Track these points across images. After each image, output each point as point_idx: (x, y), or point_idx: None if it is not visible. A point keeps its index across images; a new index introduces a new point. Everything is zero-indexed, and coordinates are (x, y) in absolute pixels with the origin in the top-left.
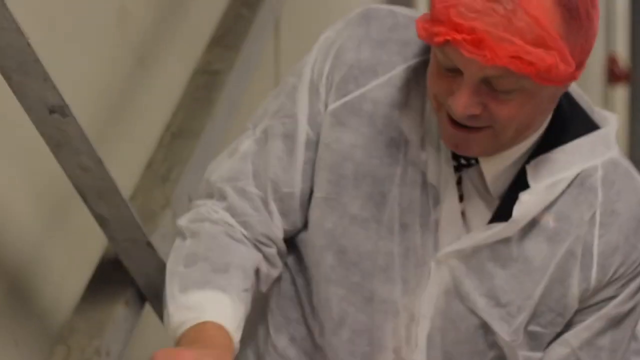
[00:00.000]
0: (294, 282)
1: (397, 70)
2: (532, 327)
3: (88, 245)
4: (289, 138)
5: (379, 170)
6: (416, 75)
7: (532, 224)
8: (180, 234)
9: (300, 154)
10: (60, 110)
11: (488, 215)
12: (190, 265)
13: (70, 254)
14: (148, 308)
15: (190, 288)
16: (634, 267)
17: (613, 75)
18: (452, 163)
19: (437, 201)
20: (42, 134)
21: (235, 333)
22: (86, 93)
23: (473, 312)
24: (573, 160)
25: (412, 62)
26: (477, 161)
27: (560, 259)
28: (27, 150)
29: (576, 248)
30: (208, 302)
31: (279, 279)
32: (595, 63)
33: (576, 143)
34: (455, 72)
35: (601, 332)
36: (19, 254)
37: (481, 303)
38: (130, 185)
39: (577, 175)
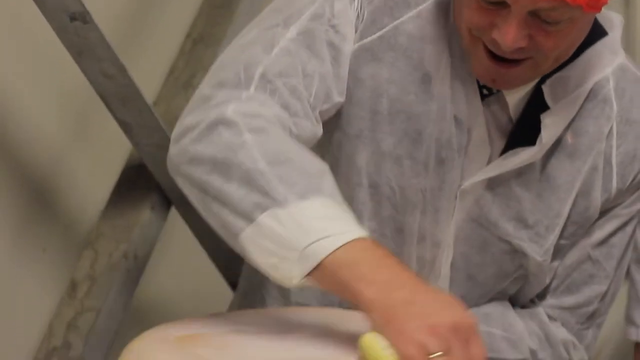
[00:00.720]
0: None
1: (427, 3)
2: (560, 241)
3: (113, 151)
4: (334, 48)
5: (415, 107)
6: (442, 9)
7: (554, 144)
8: (231, 124)
9: (345, 67)
10: (81, 17)
11: (504, 141)
12: (277, 165)
13: (95, 161)
14: (173, 211)
15: (308, 194)
16: None
17: None
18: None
19: (467, 133)
20: (64, 42)
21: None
22: (106, 1)
23: (501, 238)
24: (585, 75)
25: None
26: (499, 89)
27: (584, 175)
28: (49, 59)
29: (598, 162)
30: (342, 212)
31: None
32: None
33: (586, 56)
34: (498, 5)
35: (613, 232)
36: (44, 162)
37: (509, 228)
38: (152, 93)
39: (591, 89)
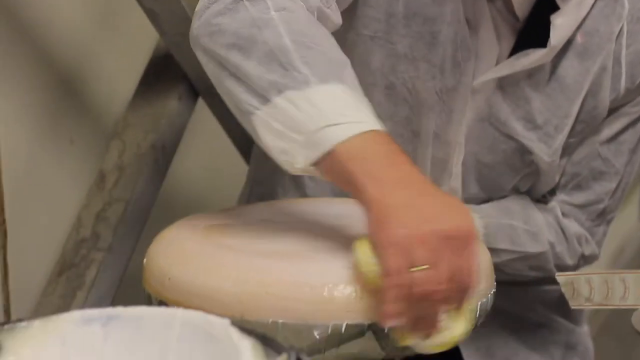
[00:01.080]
0: None
1: None
2: (568, 139)
3: (140, 41)
4: None
5: (430, 9)
6: None
7: (564, 44)
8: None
9: None
10: None
11: (513, 40)
12: (302, 46)
13: (122, 51)
14: (200, 101)
15: (330, 79)
16: None
17: None
18: None
19: (475, 33)
20: None
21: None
22: None
23: (510, 137)
24: None
25: None
26: None
27: (593, 76)
28: None
29: (607, 62)
30: (362, 103)
31: None
32: None
33: None
34: None
35: (622, 130)
36: (71, 52)
37: (519, 127)
38: None
39: None
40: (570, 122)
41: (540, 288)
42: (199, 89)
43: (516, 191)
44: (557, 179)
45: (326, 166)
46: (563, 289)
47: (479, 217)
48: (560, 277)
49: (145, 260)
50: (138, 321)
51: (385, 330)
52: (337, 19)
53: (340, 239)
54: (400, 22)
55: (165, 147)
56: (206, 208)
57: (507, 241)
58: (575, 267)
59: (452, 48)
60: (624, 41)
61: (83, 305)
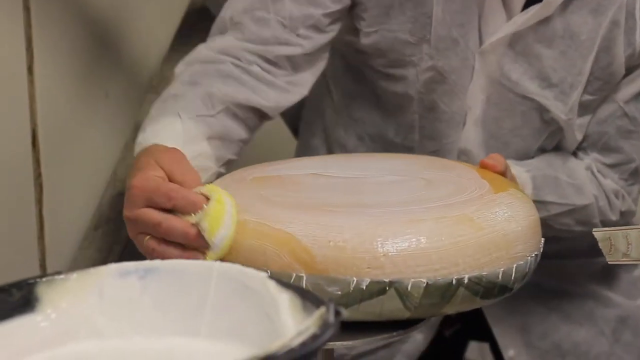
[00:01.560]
0: (358, 82)
1: None
2: (582, 97)
3: None
4: None
5: None
6: None
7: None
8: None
9: None
10: None
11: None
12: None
13: (158, 3)
14: None
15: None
16: None
17: None
18: None
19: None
20: None
21: (185, 147)
22: None
23: (525, 97)
24: None
25: None
26: None
27: (605, 30)
28: None
29: (619, 16)
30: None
31: (342, 81)
32: None
33: None
34: None
35: None
36: (106, 4)
37: (533, 87)
38: None
39: None
40: (584, 79)
41: (583, 260)
42: None
43: (542, 152)
44: (579, 137)
45: None
46: (600, 245)
47: (525, 170)
48: (598, 232)
49: None
50: (175, 274)
51: (408, 288)
52: (305, 45)
53: (372, 195)
54: (397, 11)
55: None
56: (241, 161)
57: (554, 194)
58: (616, 224)
59: (447, 26)
60: None
61: (119, 260)
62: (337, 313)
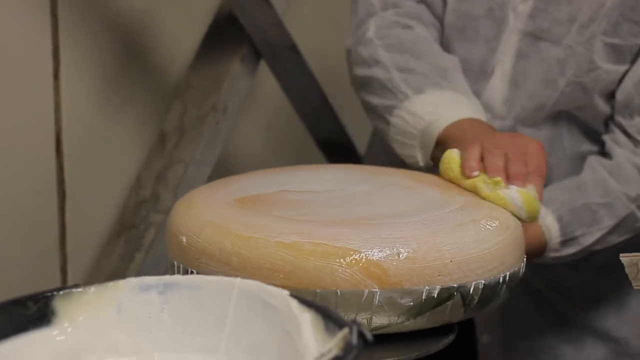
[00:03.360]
0: None
1: None
2: (611, 40)
3: (203, 0)
4: None
5: None
6: None
7: None
8: (368, 43)
9: None
10: None
11: None
12: (404, 71)
13: (185, 10)
14: (263, 64)
15: (425, 89)
16: None
17: None
18: None
19: None
20: None
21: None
22: None
23: (555, 44)
24: None
25: None
26: None
27: None
28: None
29: None
30: (455, 99)
31: None
32: None
33: None
34: None
35: None
36: (133, 11)
37: (562, 31)
38: None
39: None
40: (603, 12)
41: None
42: (261, 51)
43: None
44: (612, 88)
45: (437, 155)
46: (627, 270)
47: (551, 211)
48: (625, 258)
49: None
50: (195, 289)
51: (471, 291)
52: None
53: (389, 207)
54: None
55: (226, 109)
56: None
57: (585, 225)
58: None
59: None
60: None
61: (141, 267)
62: (361, 334)
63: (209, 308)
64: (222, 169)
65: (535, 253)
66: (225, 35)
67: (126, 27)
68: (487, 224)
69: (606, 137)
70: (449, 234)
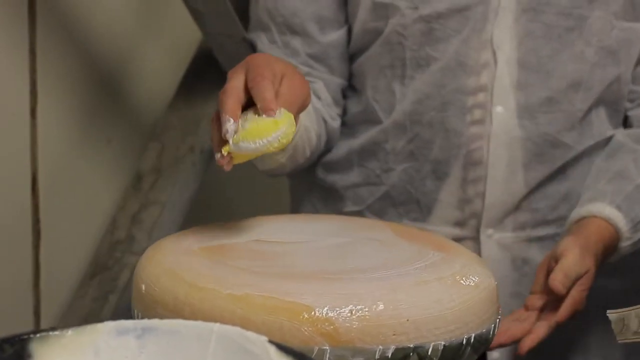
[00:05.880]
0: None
1: None
2: None
3: (182, 41)
4: None
5: None
6: None
7: None
8: None
9: None
10: None
11: None
12: None
13: (165, 51)
14: None
15: None
16: None
17: None
18: None
19: None
20: None
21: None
22: None
23: (561, 14)
24: None
25: None
26: None
27: None
28: None
29: None
30: None
31: None
32: None
33: None
34: None
35: None
36: (112, 50)
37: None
38: None
39: None
40: None
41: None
42: None
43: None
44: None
45: None
46: (613, 326)
47: (607, 203)
48: (612, 314)
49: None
50: (173, 334)
51: (429, 352)
52: None
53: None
54: None
55: (203, 150)
56: (241, 213)
57: None
58: None
59: None
60: None
61: (115, 309)
62: None
63: (187, 353)
64: (200, 211)
65: (610, 248)
66: (204, 75)
67: (105, 66)
68: (453, 282)
69: (632, 114)
70: (409, 292)
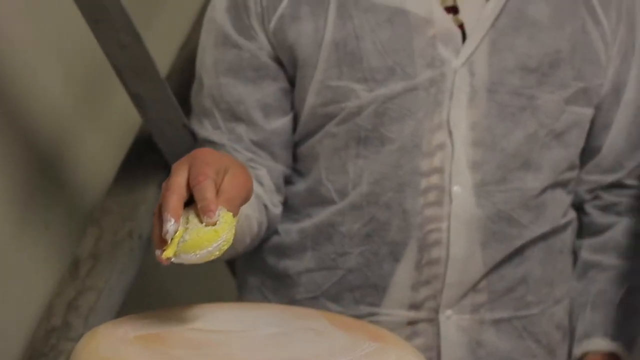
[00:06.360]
0: None
1: None
2: (579, 83)
3: (122, 125)
4: None
5: (338, 33)
6: None
7: None
8: None
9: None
10: None
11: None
12: None
13: (104, 135)
14: None
15: None
16: None
17: None
18: None
19: (426, 22)
20: (81, 9)
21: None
22: None
23: (513, 93)
24: None
25: None
26: None
27: (566, 10)
28: (62, 27)
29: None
30: None
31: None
32: None
33: None
34: None
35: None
36: (50, 133)
37: (515, 79)
38: (165, 65)
39: None
40: (565, 56)
41: None
42: None
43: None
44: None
45: None
46: None
47: (602, 337)
48: None
49: None
50: None
51: None
52: None
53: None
54: (332, 64)
55: (142, 236)
56: (180, 301)
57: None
58: None
59: (378, 55)
60: None
61: None
62: None
63: None
64: (138, 297)
65: None
66: (143, 160)
67: (44, 151)
68: None
69: (590, 208)
70: None
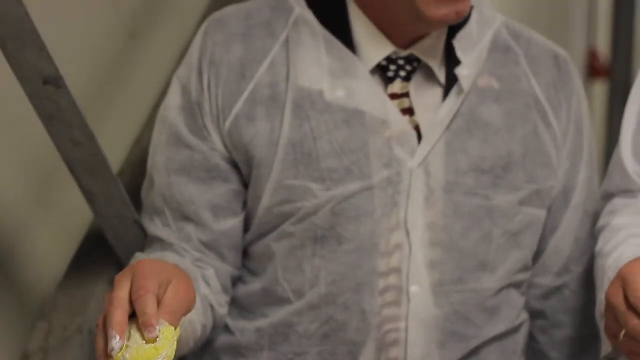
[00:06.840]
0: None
1: (275, 50)
2: (531, 185)
3: (73, 220)
4: None
5: (294, 133)
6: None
7: (478, 93)
8: None
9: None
10: (55, 81)
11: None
12: None
13: (55, 229)
14: None
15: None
16: (566, 94)
17: (593, 70)
18: (382, 88)
19: (382, 123)
20: (35, 106)
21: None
22: (76, 66)
23: (468, 193)
24: (482, 28)
25: (283, 36)
26: (417, 61)
27: (518, 113)
28: (13, 122)
29: (528, 100)
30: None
31: None
32: (576, 57)
33: (475, 12)
34: None
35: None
36: (2, 226)
37: (469, 179)
38: (117, 161)
39: (491, 39)
40: (517, 159)
41: None
42: None
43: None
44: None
45: None
46: None
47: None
48: None
49: None
50: None
51: None
52: None
53: None
54: (289, 165)
55: (91, 331)
56: None
57: None
58: None
59: (334, 156)
60: (533, 81)
61: None
62: None
63: None
64: None
65: None
66: (94, 256)
67: None
68: None
69: (543, 306)
70: None
